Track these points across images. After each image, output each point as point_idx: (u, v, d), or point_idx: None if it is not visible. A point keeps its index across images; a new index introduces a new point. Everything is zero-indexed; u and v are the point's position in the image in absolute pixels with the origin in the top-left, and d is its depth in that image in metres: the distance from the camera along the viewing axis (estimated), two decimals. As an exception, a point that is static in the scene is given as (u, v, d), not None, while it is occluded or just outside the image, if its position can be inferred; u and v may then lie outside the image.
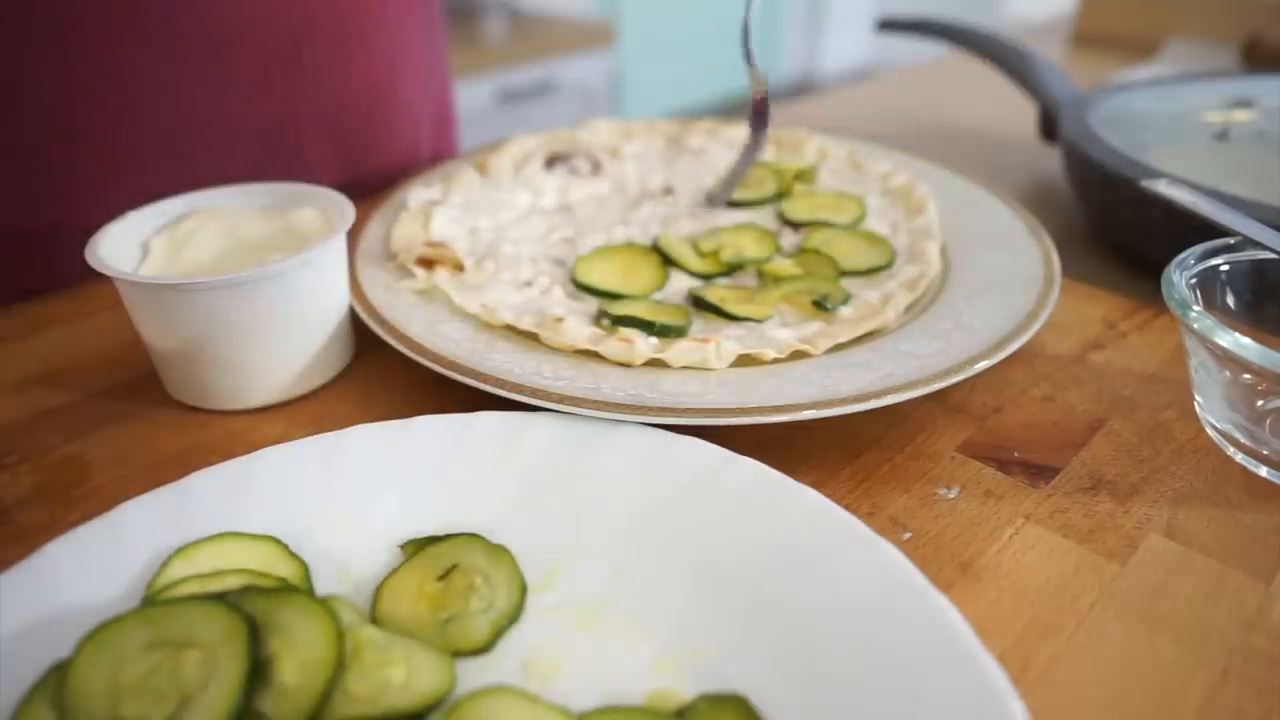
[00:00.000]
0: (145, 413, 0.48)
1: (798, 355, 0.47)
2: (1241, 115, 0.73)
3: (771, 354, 0.46)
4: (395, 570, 0.36)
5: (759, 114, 0.62)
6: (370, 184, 0.75)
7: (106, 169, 0.61)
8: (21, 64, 0.56)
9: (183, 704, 0.29)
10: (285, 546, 0.36)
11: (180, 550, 0.35)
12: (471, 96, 2.35)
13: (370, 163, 0.75)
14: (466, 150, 0.76)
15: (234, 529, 0.36)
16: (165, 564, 0.35)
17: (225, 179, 0.55)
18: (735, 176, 0.64)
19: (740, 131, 0.76)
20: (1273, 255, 0.45)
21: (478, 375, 0.44)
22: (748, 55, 0.60)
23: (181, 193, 0.53)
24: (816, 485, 0.41)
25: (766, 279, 0.55)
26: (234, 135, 0.65)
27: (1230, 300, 0.46)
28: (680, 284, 0.55)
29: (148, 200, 0.51)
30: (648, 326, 0.48)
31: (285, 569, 0.35)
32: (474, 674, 0.32)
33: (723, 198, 0.64)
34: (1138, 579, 0.37)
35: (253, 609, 0.31)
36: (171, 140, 0.63)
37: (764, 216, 0.64)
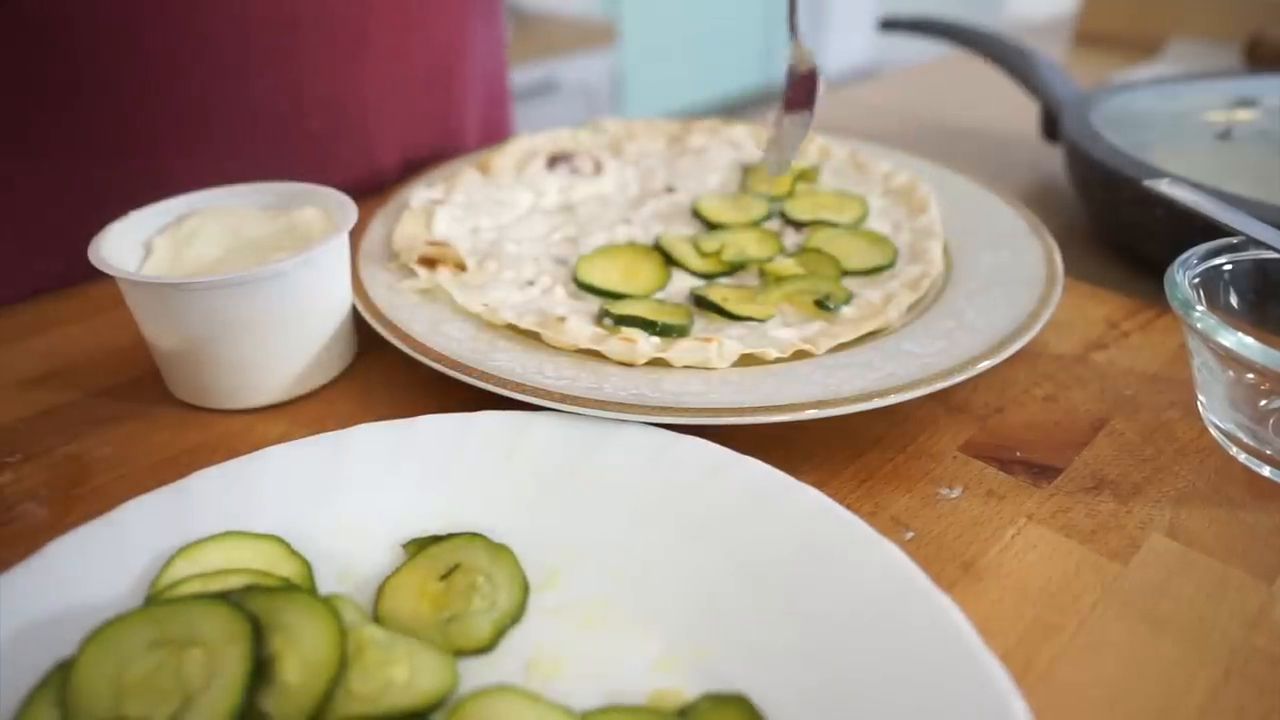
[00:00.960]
0: (147, 412, 0.48)
1: (800, 355, 0.47)
2: (1244, 115, 0.73)
3: (773, 354, 0.46)
4: (397, 569, 0.36)
5: (807, 90, 0.61)
6: (422, 165, 0.76)
7: (178, 151, 0.62)
8: (63, 55, 0.56)
9: (185, 703, 0.29)
10: (288, 546, 0.36)
11: (183, 550, 0.35)
12: (473, 96, 2.35)
13: (425, 145, 0.77)
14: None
15: (235, 529, 0.36)
16: (168, 563, 0.35)
17: (288, 159, 0.58)
18: (790, 147, 0.63)
19: (740, 131, 0.76)
20: (1275, 255, 0.45)
21: (480, 375, 0.44)
22: (793, 30, 0.60)
23: (235, 177, 0.54)
24: (818, 485, 0.41)
25: (768, 279, 0.55)
26: (301, 113, 0.67)
27: (1233, 300, 0.46)
28: (682, 284, 0.55)
29: (225, 179, 0.53)
30: (650, 326, 0.48)
31: (288, 568, 0.35)
32: (476, 673, 0.32)
33: (783, 168, 0.63)
34: (1140, 579, 0.37)
35: (255, 608, 0.31)
36: (234, 120, 0.64)
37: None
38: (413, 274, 0.54)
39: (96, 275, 0.45)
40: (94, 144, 0.59)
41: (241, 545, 0.36)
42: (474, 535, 0.37)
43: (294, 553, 0.36)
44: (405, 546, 0.37)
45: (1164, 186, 0.52)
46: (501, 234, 0.61)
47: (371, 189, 0.72)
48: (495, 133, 0.87)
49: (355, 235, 0.58)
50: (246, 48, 0.62)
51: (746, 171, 0.69)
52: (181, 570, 0.34)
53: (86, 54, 0.57)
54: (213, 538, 0.36)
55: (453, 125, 0.79)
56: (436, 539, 0.37)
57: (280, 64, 0.64)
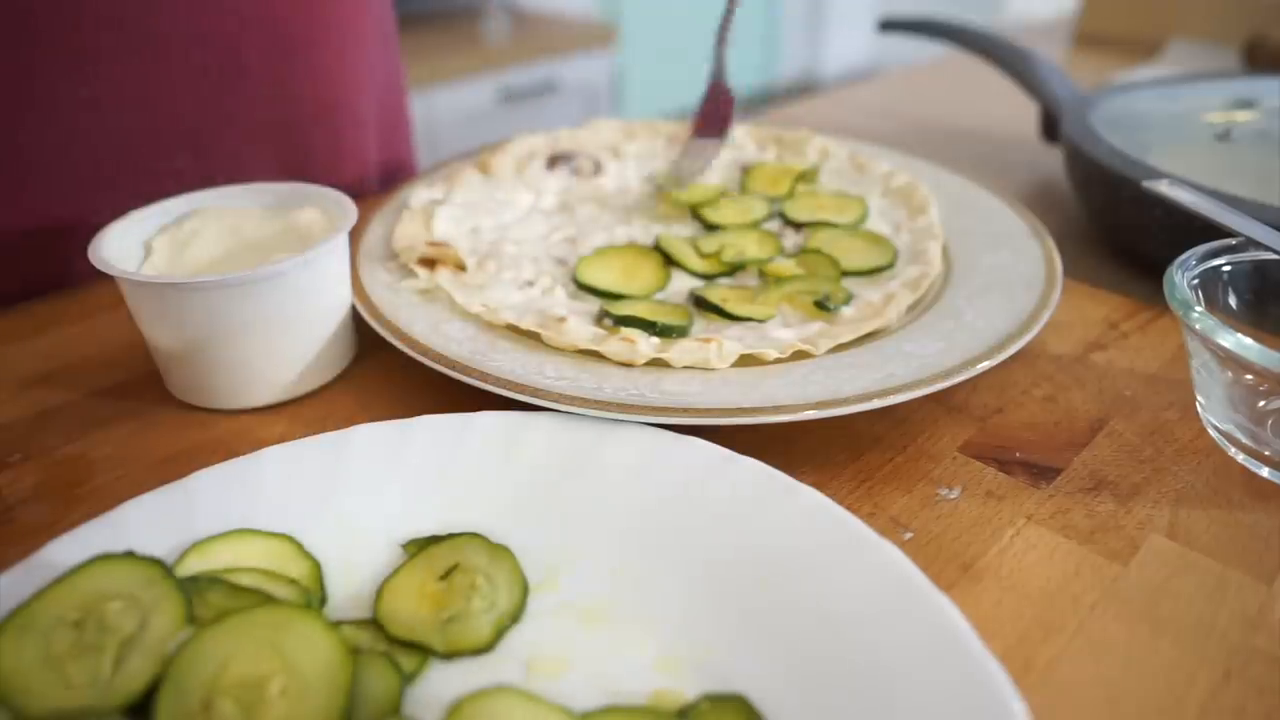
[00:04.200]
0: (147, 412, 0.48)
1: (799, 355, 0.47)
2: (1243, 116, 0.73)
3: (773, 354, 0.46)
4: (397, 570, 0.36)
5: (722, 115, 0.60)
6: None
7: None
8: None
9: (126, 644, 0.30)
10: (299, 545, 0.36)
11: (195, 546, 0.35)
12: (473, 96, 2.35)
13: (311, 172, 0.70)
14: (460, 153, 0.75)
15: (236, 528, 0.36)
16: (180, 559, 0.35)
17: (153, 195, 0.52)
18: (688, 177, 0.63)
19: (740, 131, 0.76)
20: (1274, 256, 0.45)
21: (480, 375, 0.44)
22: (721, 41, 0.60)
23: (116, 206, 0.51)
24: (818, 485, 0.41)
25: (768, 279, 0.55)
26: (165, 148, 0.62)
27: (1232, 301, 0.46)
28: (682, 284, 0.55)
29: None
30: (649, 326, 0.48)
31: (297, 568, 0.35)
32: (475, 674, 0.32)
33: (682, 184, 0.64)
34: (1139, 579, 0.37)
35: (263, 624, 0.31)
36: (105, 151, 0.60)
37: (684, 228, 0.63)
38: (412, 274, 0.54)
39: (96, 275, 0.45)
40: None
41: (253, 543, 0.36)
42: (473, 535, 0.37)
43: (305, 552, 0.36)
44: (405, 546, 0.37)
45: (1163, 187, 0.52)
46: (501, 234, 0.61)
47: None
48: (396, 166, 0.81)
49: (355, 235, 0.58)
50: (107, 75, 0.57)
51: (746, 172, 0.69)
52: (193, 566, 0.35)
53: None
54: (225, 534, 0.36)
55: (343, 161, 0.73)
56: (436, 539, 0.37)
57: (141, 95, 0.59)
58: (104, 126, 0.59)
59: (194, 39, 0.60)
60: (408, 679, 0.32)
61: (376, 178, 0.78)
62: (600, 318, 0.51)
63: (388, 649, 0.33)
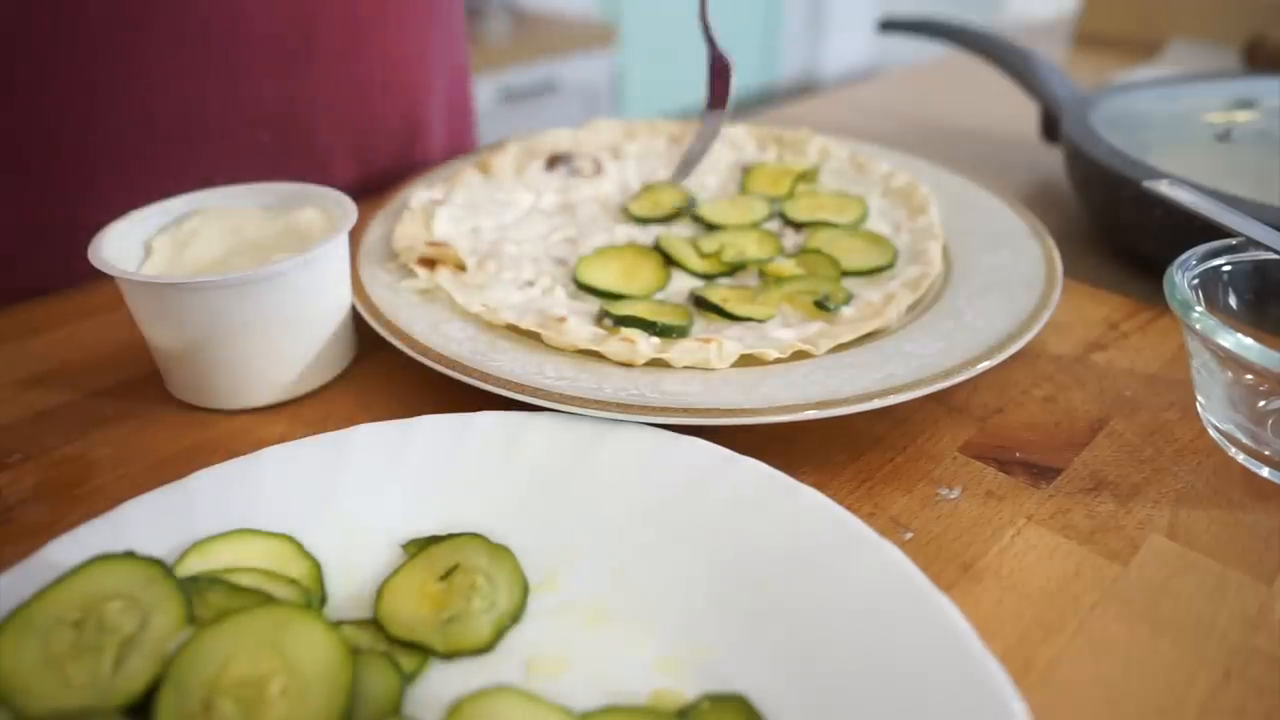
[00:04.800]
0: (147, 412, 0.48)
1: (799, 355, 0.47)
2: (1243, 116, 0.73)
3: (773, 354, 0.46)
4: (397, 570, 0.36)
5: (719, 88, 0.60)
6: (382, 177, 0.75)
7: (114, 165, 0.61)
8: (24, 57, 0.56)
9: (126, 644, 0.30)
10: (299, 545, 0.36)
11: (195, 546, 0.35)
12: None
13: (383, 155, 0.75)
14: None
15: (236, 528, 0.36)
16: (180, 559, 0.35)
17: (236, 172, 0.55)
18: (694, 157, 0.63)
19: (740, 131, 0.76)
20: (1274, 256, 0.45)
21: (480, 375, 0.44)
22: (706, 30, 0.59)
23: (190, 187, 0.53)
24: (818, 485, 0.41)
25: (768, 279, 0.55)
26: (247, 124, 0.65)
27: (1232, 301, 0.46)
28: (682, 284, 0.55)
29: (156, 197, 0.51)
30: (649, 326, 0.48)
31: (297, 568, 0.35)
32: (475, 674, 0.32)
33: (679, 178, 0.64)
34: (1139, 579, 0.37)
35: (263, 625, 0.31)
36: (181, 132, 0.63)
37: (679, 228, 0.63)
38: (412, 274, 0.54)
39: (96, 275, 0.45)
40: (85, 148, 0.59)
41: (254, 543, 0.36)
42: (473, 535, 0.37)
43: (304, 552, 0.36)
44: (405, 547, 0.37)
45: (1163, 187, 0.52)
46: (501, 234, 0.61)
47: None
48: (459, 146, 0.85)
49: (355, 235, 0.58)
50: (191, 56, 0.61)
51: (746, 172, 0.69)
52: (193, 566, 0.35)
53: (47, 60, 0.56)
54: (226, 534, 0.36)
55: (413, 137, 0.77)
56: (436, 539, 0.37)
57: (226, 72, 0.62)
58: (189, 106, 0.62)
59: (272, 21, 0.63)
60: (408, 679, 0.32)
61: (440, 158, 0.81)
62: (600, 318, 0.51)
63: (388, 649, 0.33)
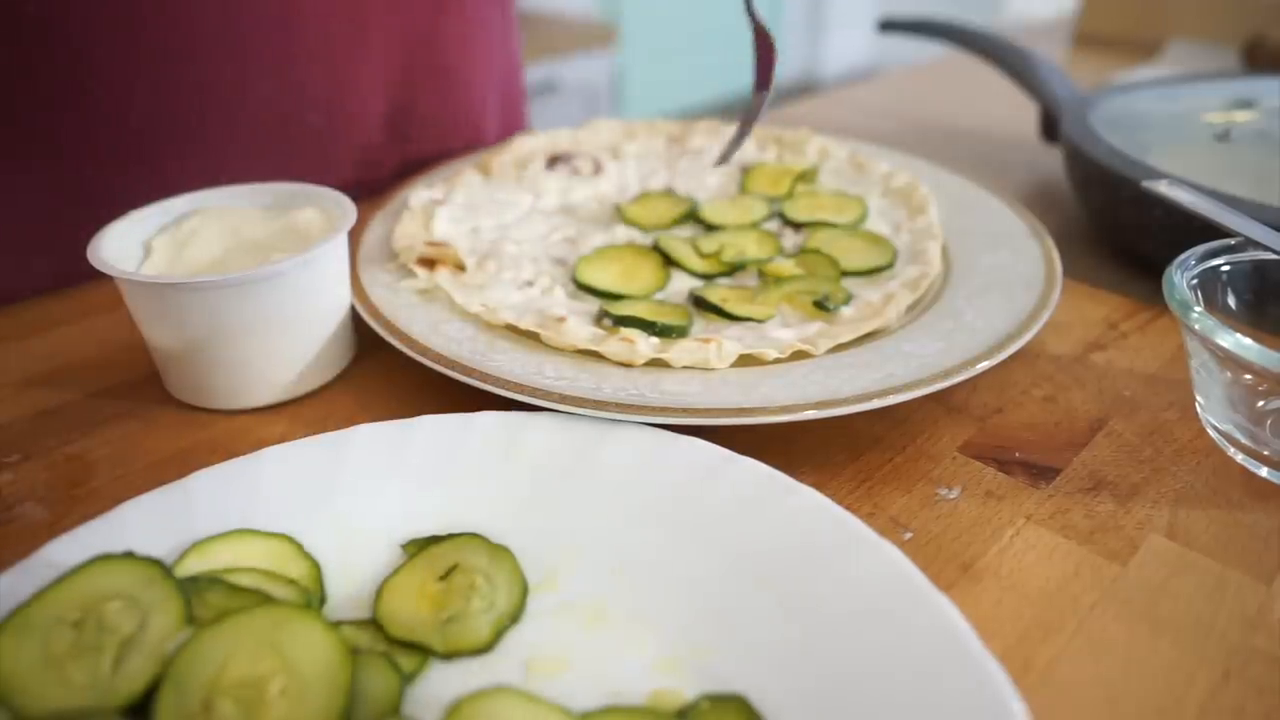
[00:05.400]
0: (146, 412, 0.48)
1: (799, 355, 0.47)
2: (1242, 116, 0.73)
3: (773, 354, 0.46)
4: (397, 570, 0.36)
5: (764, 68, 0.59)
6: (432, 162, 0.76)
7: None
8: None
9: (126, 644, 0.30)
10: (299, 545, 0.36)
11: (195, 546, 0.35)
12: (473, 96, 2.35)
13: (431, 143, 0.76)
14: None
15: (235, 528, 0.36)
16: (180, 559, 0.35)
17: (289, 154, 0.58)
18: (740, 138, 0.62)
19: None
20: (1273, 256, 0.45)
21: (479, 375, 0.44)
22: (750, 9, 0.59)
23: (226, 180, 0.54)
24: (817, 485, 0.41)
25: (768, 279, 0.55)
26: (301, 108, 0.67)
27: (1231, 301, 0.46)
28: (681, 284, 0.55)
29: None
30: (649, 326, 0.48)
31: (297, 568, 0.35)
32: (475, 674, 0.32)
33: (724, 159, 0.63)
34: (1139, 579, 0.37)
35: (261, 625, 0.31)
36: (239, 116, 0.64)
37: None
38: (412, 274, 0.54)
39: (96, 275, 0.45)
40: (93, 144, 0.59)
41: (253, 543, 0.36)
42: (473, 536, 0.37)
43: (304, 552, 0.36)
44: (404, 547, 0.37)
45: (1163, 187, 0.52)
46: (501, 234, 0.61)
47: (376, 186, 0.72)
48: (512, 132, 0.86)
49: (355, 235, 0.58)
50: (242, 43, 0.62)
51: (746, 172, 0.69)
52: (193, 566, 0.35)
53: (83, 52, 0.57)
54: (226, 534, 0.36)
55: (465, 123, 0.79)
56: (436, 539, 0.37)
57: (277, 59, 0.64)
58: (245, 91, 0.64)
59: (325, 13, 0.66)
60: (407, 679, 0.32)
61: (492, 144, 0.81)
62: (600, 318, 0.51)
63: (387, 649, 0.33)
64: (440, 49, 0.74)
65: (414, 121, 0.75)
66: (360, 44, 0.68)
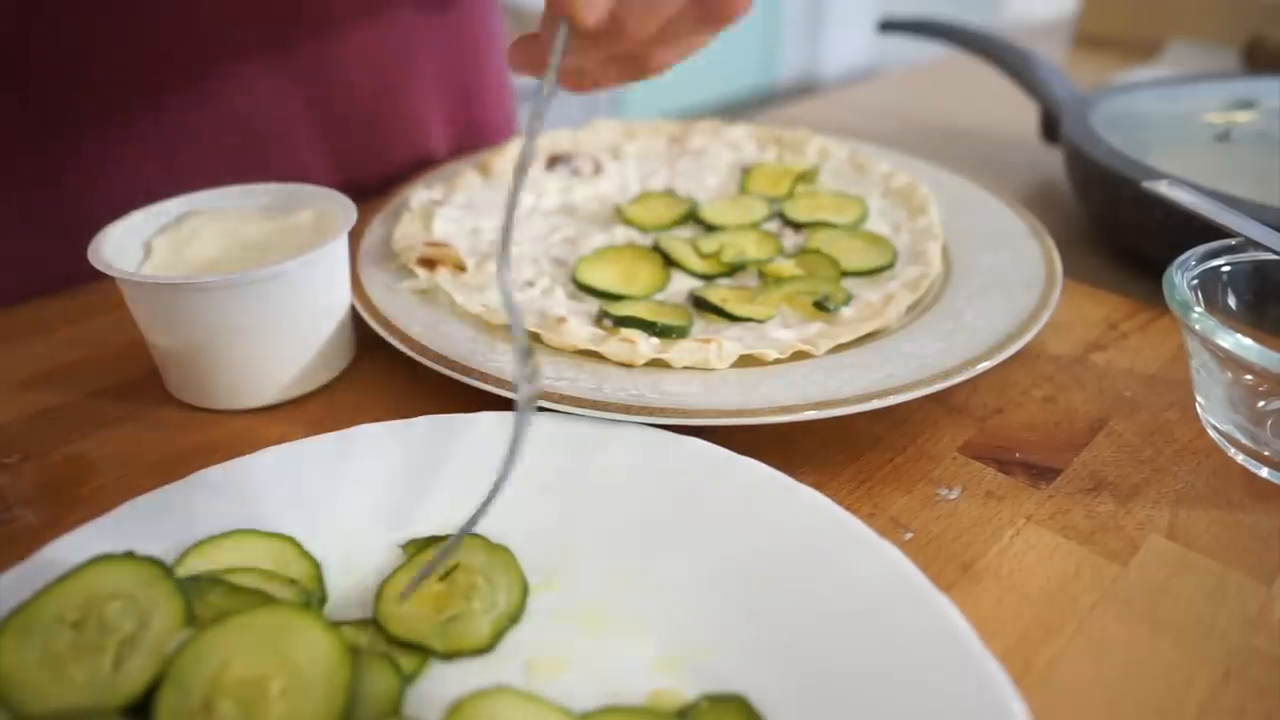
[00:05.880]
0: (147, 412, 0.48)
1: (799, 356, 0.47)
2: (1243, 116, 0.73)
3: (773, 354, 0.46)
4: (397, 570, 0.36)
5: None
6: (369, 185, 0.73)
7: (108, 168, 0.61)
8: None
9: (126, 644, 0.30)
10: (299, 545, 0.36)
11: (195, 546, 0.35)
12: (472, 96, 2.35)
13: (370, 165, 0.73)
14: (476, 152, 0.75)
15: (236, 528, 0.36)
16: (180, 559, 0.35)
17: (215, 175, 0.55)
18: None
19: (742, 131, 0.76)
20: (1274, 256, 0.45)
21: (479, 375, 0.44)
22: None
23: (173, 189, 0.53)
24: (817, 486, 0.41)
25: (768, 280, 0.55)
26: (222, 128, 0.64)
27: (1231, 301, 0.46)
28: (682, 285, 0.55)
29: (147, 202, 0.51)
30: (649, 327, 0.48)
31: (297, 568, 0.35)
32: (475, 674, 0.32)
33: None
34: (1139, 580, 0.37)
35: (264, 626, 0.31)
36: (161, 137, 0.62)
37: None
38: (412, 275, 0.54)
39: (96, 275, 0.45)
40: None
41: (254, 543, 0.36)
42: (473, 536, 0.37)
43: (304, 552, 0.36)
44: (404, 547, 0.37)
45: (1163, 188, 0.52)
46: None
47: None
48: (479, 132, 0.82)
49: (355, 236, 0.58)
50: (163, 56, 0.60)
51: (746, 172, 0.69)
52: (193, 566, 0.35)
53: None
54: (227, 534, 0.36)
55: (400, 135, 0.75)
56: (436, 539, 0.37)
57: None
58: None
59: (232, 27, 0.64)
60: (407, 679, 0.32)
61: (446, 151, 0.79)
62: (600, 318, 0.51)
63: (388, 649, 0.33)
64: (365, 64, 0.70)
65: (351, 146, 0.72)
66: (281, 54, 0.66)
